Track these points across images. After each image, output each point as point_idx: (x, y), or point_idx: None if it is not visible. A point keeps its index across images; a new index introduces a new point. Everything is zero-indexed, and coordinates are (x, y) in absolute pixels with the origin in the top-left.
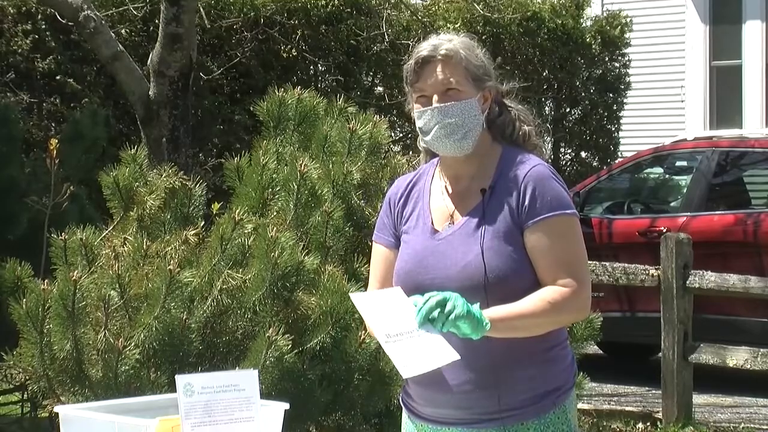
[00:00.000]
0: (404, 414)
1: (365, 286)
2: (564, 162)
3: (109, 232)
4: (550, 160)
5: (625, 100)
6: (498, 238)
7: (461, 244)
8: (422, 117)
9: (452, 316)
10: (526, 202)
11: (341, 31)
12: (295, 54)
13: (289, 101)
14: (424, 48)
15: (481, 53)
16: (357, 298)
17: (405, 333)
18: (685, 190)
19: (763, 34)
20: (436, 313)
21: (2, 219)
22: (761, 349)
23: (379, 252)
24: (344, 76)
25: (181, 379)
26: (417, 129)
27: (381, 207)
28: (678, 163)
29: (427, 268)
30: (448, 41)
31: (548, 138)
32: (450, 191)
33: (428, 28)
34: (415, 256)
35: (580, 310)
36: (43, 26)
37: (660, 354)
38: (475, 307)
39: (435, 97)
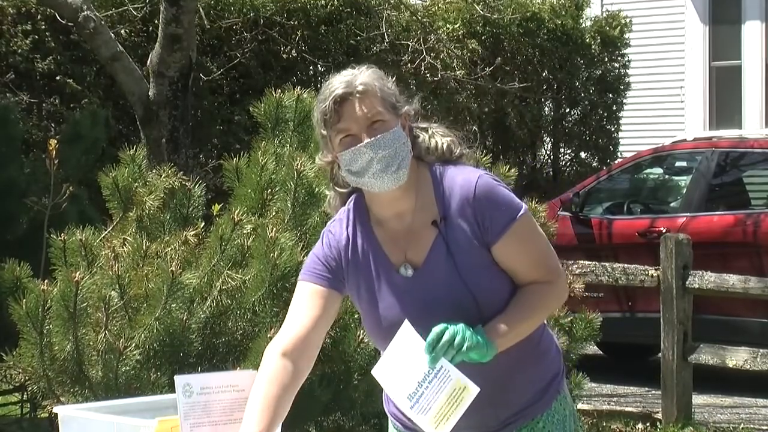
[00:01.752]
0: (392, 426)
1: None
2: (563, 162)
3: (108, 232)
4: (550, 159)
5: (624, 101)
6: (472, 264)
7: (438, 282)
8: (354, 157)
9: (463, 349)
10: (487, 222)
11: (341, 32)
12: (294, 54)
13: (287, 102)
14: (337, 86)
15: (391, 81)
16: (379, 371)
17: (422, 382)
18: (684, 191)
19: (762, 35)
20: (445, 349)
21: (2, 219)
22: (761, 350)
23: (310, 289)
24: None
25: (180, 380)
26: (344, 172)
27: (319, 250)
28: (678, 164)
29: (411, 315)
30: (358, 75)
31: (547, 138)
32: (397, 232)
33: (428, 29)
34: (392, 307)
35: (563, 295)
36: (43, 27)
37: (660, 354)
38: (480, 332)
39: (363, 134)
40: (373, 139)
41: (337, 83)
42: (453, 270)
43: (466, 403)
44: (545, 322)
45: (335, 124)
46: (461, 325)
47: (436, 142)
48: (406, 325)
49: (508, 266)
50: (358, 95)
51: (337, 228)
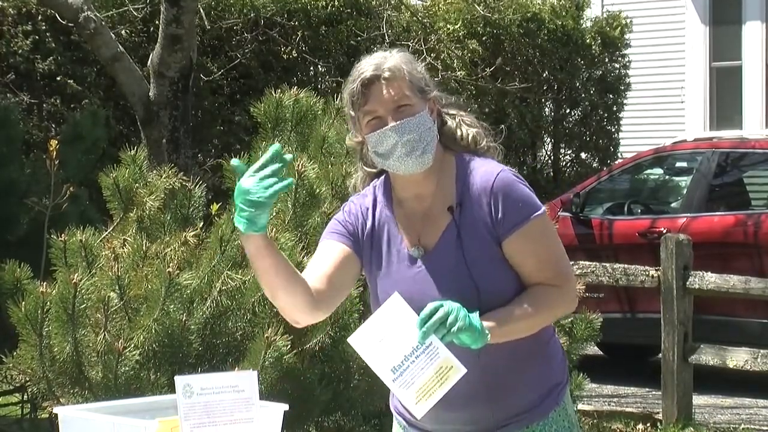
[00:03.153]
0: (396, 422)
1: (362, 286)
2: (564, 163)
3: (108, 233)
4: (550, 160)
5: (625, 101)
6: (480, 255)
7: (444, 267)
8: (380, 139)
9: (454, 329)
10: (500, 215)
11: (341, 32)
12: (295, 55)
13: (287, 102)
14: (366, 68)
15: (420, 65)
16: (358, 340)
17: (409, 356)
18: (685, 191)
19: (763, 35)
20: (437, 326)
21: (2, 220)
22: (761, 350)
23: (331, 246)
24: (344, 77)
25: (180, 381)
26: (371, 154)
27: (340, 216)
28: (678, 164)
29: (413, 298)
30: (388, 58)
31: (548, 139)
32: (415, 213)
33: (428, 29)
34: (397, 285)
35: (571, 302)
36: (44, 27)
37: (660, 355)
38: (475, 317)
39: (389, 117)
40: (398, 123)
41: (366, 65)
42: (460, 257)
43: (450, 383)
44: (554, 329)
45: (362, 106)
46: (457, 305)
47: (461, 131)
48: (396, 297)
49: (517, 263)
50: (385, 78)
51: (361, 201)
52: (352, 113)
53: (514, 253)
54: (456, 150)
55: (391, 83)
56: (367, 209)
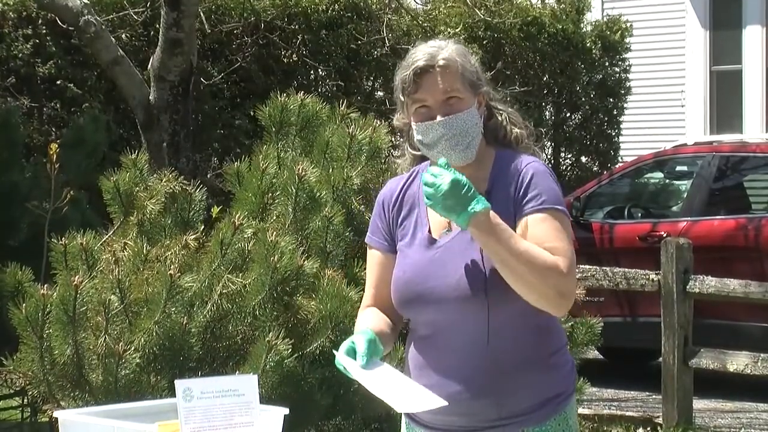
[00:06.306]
0: (403, 419)
1: (364, 290)
2: (564, 167)
3: (109, 236)
4: (551, 163)
5: (625, 105)
6: None
7: (460, 252)
8: (427, 130)
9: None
10: (522, 191)
11: (342, 36)
12: (295, 59)
13: (292, 106)
14: (420, 57)
15: (474, 59)
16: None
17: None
18: (685, 195)
19: (763, 39)
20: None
21: (3, 224)
22: (761, 354)
23: (373, 256)
24: (345, 81)
25: (180, 384)
26: (416, 141)
27: (374, 208)
28: (678, 168)
29: (426, 278)
30: (443, 49)
31: (548, 143)
32: None
33: (429, 33)
34: (413, 266)
35: (559, 294)
36: (44, 31)
37: (660, 359)
38: (482, 200)
39: (438, 108)
40: (446, 117)
41: (421, 54)
42: (476, 246)
43: (429, 408)
44: (566, 342)
45: (412, 93)
46: (462, 177)
47: (507, 129)
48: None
49: (523, 234)
50: (438, 69)
51: (395, 183)
52: (402, 98)
53: (527, 230)
54: (497, 145)
55: (444, 74)
56: (399, 191)
